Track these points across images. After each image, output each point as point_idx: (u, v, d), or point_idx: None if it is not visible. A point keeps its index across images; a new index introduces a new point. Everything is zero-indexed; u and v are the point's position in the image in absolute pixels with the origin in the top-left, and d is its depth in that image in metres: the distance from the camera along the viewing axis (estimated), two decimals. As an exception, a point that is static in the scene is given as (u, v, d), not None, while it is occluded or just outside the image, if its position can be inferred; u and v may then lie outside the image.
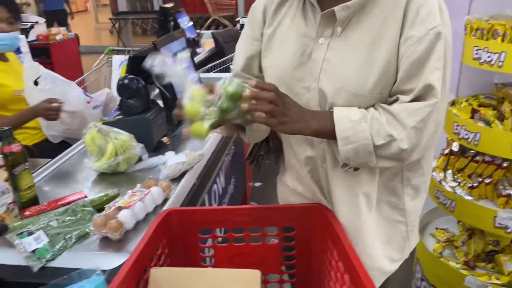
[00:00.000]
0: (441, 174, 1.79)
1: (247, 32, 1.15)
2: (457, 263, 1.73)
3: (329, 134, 0.94)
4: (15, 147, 1.26)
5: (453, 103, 1.85)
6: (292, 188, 1.22)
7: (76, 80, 2.96)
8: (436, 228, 1.95)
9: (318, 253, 1.11)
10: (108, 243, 1.16)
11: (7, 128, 1.27)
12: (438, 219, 2.04)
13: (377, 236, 1.09)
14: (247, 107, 0.87)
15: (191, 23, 3.88)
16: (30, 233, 1.14)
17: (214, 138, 1.93)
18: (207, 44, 3.89)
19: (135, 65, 1.81)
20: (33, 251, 1.10)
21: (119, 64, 2.92)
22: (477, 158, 1.68)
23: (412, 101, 0.92)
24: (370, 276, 0.83)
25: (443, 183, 1.73)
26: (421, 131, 0.92)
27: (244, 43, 1.15)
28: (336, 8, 0.93)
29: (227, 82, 0.90)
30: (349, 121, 0.92)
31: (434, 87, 0.91)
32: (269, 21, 1.08)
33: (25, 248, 1.11)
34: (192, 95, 0.91)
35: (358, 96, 0.95)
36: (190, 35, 3.59)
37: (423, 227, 1.98)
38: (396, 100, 0.95)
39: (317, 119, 0.94)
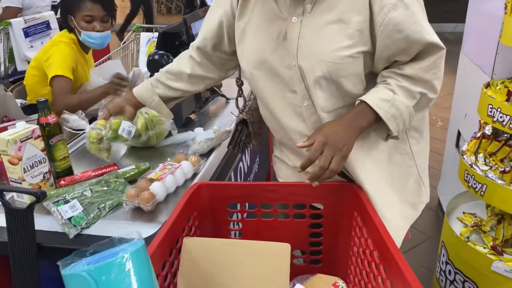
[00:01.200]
0: (472, 158, 1.76)
1: (214, 12, 1.21)
2: (485, 247, 1.71)
3: (374, 122, 1.01)
4: (51, 118, 1.30)
5: (488, 85, 1.80)
6: (292, 166, 1.24)
7: (104, 57, 3.01)
8: (463, 213, 1.92)
9: (346, 230, 1.11)
10: (140, 214, 1.20)
11: (44, 99, 1.30)
12: (465, 204, 2.01)
13: (393, 183, 1.14)
14: (312, 177, 0.95)
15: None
16: (66, 202, 1.18)
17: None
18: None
19: (165, 41, 1.83)
20: (69, 219, 1.15)
21: (146, 41, 2.94)
22: (511, 142, 1.64)
23: (416, 58, 0.99)
24: (396, 228, 0.93)
25: (474, 166, 1.70)
26: (440, 77, 1.02)
27: (207, 23, 1.24)
28: None
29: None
30: (385, 102, 0.98)
31: (434, 42, 0.97)
32: (239, 11, 1.12)
33: (61, 216, 1.15)
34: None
35: (335, 63, 0.99)
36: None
37: (450, 211, 1.95)
38: (394, 63, 1.02)
39: (358, 121, 1.00)
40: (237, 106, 1.37)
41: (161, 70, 1.32)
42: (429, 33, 0.98)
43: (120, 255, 0.60)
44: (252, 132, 1.31)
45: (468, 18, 2.39)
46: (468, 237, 1.77)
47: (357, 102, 1.02)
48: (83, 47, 2.08)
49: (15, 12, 3.80)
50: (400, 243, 1.18)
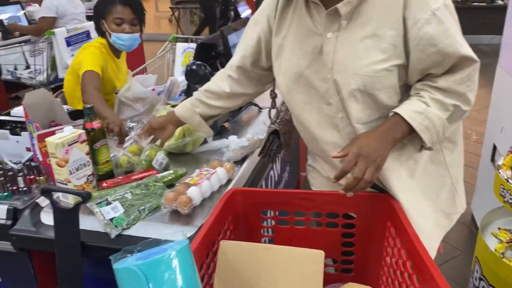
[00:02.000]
0: (508, 172, 1.72)
1: (252, 30, 1.24)
2: (518, 263, 1.67)
3: (408, 133, 1.03)
4: (96, 124, 1.37)
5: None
6: (326, 175, 1.27)
7: (140, 67, 3.12)
8: (499, 228, 1.88)
9: (378, 240, 1.12)
10: (177, 217, 1.24)
11: (89, 106, 1.38)
12: (500, 219, 1.96)
13: (426, 192, 1.15)
14: (346, 188, 0.97)
15: (250, 11, 3.94)
16: (108, 203, 1.24)
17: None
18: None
19: (202, 52, 1.89)
20: (111, 219, 1.20)
21: (182, 51, 3.03)
22: (549, 157, 1.60)
23: (449, 71, 1.01)
24: (429, 237, 0.96)
25: (510, 181, 1.67)
26: (473, 90, 1.04)
27: (245, 41, 1.27)
28: (338, 6, 1.00)
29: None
30: (418, 114, 1.00)
31: (468, 55, 0.99)
32: (277, 27, 1.16)
33: (103, 216, 1.21)
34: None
35: (370, 77, 1.01)
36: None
37: (484, 226, 1.91)
38: (428, 75, 1.03)
39: (392, 132, 1.02)
40: (270, 117, 1.41)
41: (200, 89, 1.37)
42: (463, 46, 0.99)
43: (168, 252, 0.64)
44: (283, 143, 1.34)
45: (506, 31, 2.35)
46: (503, 253, 1.73)
47: (390, 114, 1.04)
48: (114, 51, 2.17)
49: (51, 21, 3.99)
50: (433, 252, 1.18)
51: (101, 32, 2.13)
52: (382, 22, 1.00)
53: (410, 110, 1.01)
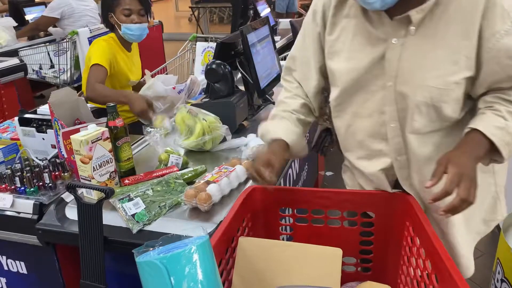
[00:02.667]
0: (532, 173, 1.69)
1: (311, 41, 1.17)
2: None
3: (489, 150, 0.97)
4: (119, 122, 1.41)
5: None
6: (357, 182, 1.24)
7: (161, 66, 3.16)
8: (521, 230, 1.85)
9: (397, 239, 1.12)
10: (197, 213, 1.26)
11: (113, 104, 1.41)
12: (523, 221, 1.93)
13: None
14: (450, 209, 0.92)
15: (269, 9, 3.94)
16: (130, 199, 1.27)
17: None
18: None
19: (222, 51, 1.91)
20: (133, 215, 1.23)
21: (202, 50, 3.06)
22: None
23: None
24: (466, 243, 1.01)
25: (534, 182, 1.64)
26: None
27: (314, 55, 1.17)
28: (411, 13, 0.95)
29: None
30: (499, 130, 0.96)
31: None
32: (330, 26, 1.11)
33: (125, 212, 1.24)
34: None
35: (439, 89, 0.97)
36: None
37: (506, 228, 1.88)
38: (496, 88, 0.99)
39: (477, 150, 0.96)
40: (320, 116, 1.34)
41: (284, 109, 1.22)
42: None
43: (189, 247, 0.66)
44: (335, 139, 1.31)
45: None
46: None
47: (467, 130, 0.99)
48: (124, 44, 2.22)
49: (51, 21, 4.08)
50: (470, 256, 1.19)
51: (110, 26, 2.19)
52: (455, 31, 0.94)
53: (491, 126, 0.96)
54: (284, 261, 0.96)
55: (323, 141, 1.37)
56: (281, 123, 1.19)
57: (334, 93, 1.14)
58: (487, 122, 0.97)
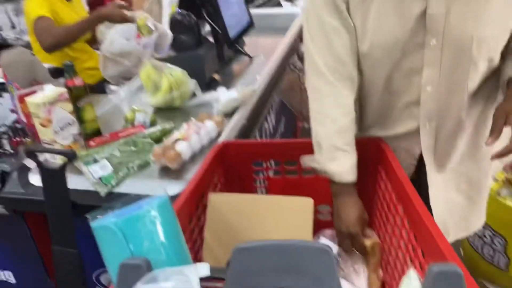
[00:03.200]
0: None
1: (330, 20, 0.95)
2: (515, 203, 1.68)
3: None
4: (78, 81, 1.33)
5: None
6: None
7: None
8: (495, 169, 1.88)
9: (370, 185, 1.11)
10: (167, 173, 1.23)
11: (69, 63, 1.33)
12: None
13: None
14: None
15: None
16: (96, 161, 1.22)
17: (264, 75, 1.92)
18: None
19: (187, 0, 1.80)
20: (100, 178, 1.19)
21: (169, 2, 2.91)
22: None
23: None
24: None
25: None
26: None
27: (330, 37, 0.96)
28: None
29: None
30: None
31: None
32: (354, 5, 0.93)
33: (92, 175, 1.20)
34: None
35: (495, 39, 0.88)
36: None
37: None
38: None
39: None
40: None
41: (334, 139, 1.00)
42: None
43: (146, 208, 0.62)
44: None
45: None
46: (498, 193, 1.73)
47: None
48: None
49: None
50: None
51: None
52: None
53: None
54: (256, 214, 0.94)
55: None
56: (346, 158, 1.00)
57: (365, 61, 0.98)
58: None
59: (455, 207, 1.10)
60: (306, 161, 1.06)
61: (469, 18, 0.86)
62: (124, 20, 1.73)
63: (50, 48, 1.80)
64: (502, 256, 1.79)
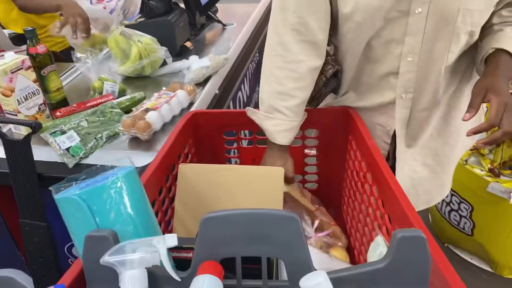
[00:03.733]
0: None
1: None
2: (482, 170, 1.73)
3: None
4: (41, 48, 1.27)
5: None
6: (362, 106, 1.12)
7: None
8: (463, 137, 1.93)
9: (341, 154, 1.12)
10: (137, 143, 1.20)
11: (31, 28, 1.26)
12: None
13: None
14: (491, 141, 0.84)
15: None
16: (63, 132, 1.19)
17: (238, 43, 1.88)
18: None
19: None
20: (67, 149, 1.16)
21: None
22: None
23: None
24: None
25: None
26: None
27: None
28: None
29: None
30: None
31: None
32: None
33: (59, 146, 1.16)
34: None
35: (480, 11, 0.88)
36: None
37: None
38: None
39: (509, 75, 0.87)
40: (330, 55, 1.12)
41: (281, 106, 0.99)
42: None
43: (111, 179, 0.60)
44: (338, 82, 1.13)
45: None
46: (466, 160, 1.79)
47: (490, 51, 0.89)
48: None
49: None
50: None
51: None
52: None
53: None
54: (227, 184, 0.94)
55: (325, 87, 1.12)
56: (283, 122, 1.00)
57: (349, 25, 0.96)
58: (510, 40, 0.88)
59: (418, 180, 1.12)
60: (250, 113, 1.06)
61: None
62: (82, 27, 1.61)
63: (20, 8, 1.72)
64: (468, 221, 1.87)
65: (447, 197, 1.92)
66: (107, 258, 0.55)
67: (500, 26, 0.92)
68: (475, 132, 0.84)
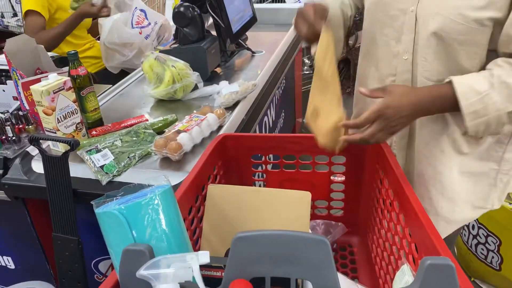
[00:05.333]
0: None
1: None
2: (510, 203, 1.70)
3: (451, 109, 0.87)
4: (81, 71, 1.34)
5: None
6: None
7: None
8: (491, 169, 1.91)
9: (368, 182, 1.13)
10: (167, 163, 1.24)
11: (73, 52, 1.34)
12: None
13: (461, 181, 1.05)
14: (349, 141, 0.88)
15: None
16: (98, 150, 1.24)
17: (266, 70, 1.93)
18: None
19: (190, -8, 1.80)
20: (101, 167, 1.21)
21: (171, -6, 2.91)
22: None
23: None
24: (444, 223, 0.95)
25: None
26: None
27: None
28: None
29: None
30: (475, 94, 0.84)
31: None
32: None
33: (94, 164, 1.21)
34: None
35: (455, 23, 0.86)
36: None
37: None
38: None
39: (432, 104, 0.87)
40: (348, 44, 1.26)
41: None
42: None
43: (149, 196, 0.64)
44: (352, 75, 1.23)
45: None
46: (494, 193, 1.75)
47: (446, 80, 0.90)
48: None
49: None
50: (444, 234, 1.11)
51: None
52: None
53: (467, 84, 0.84)
54: (254, 206, 0.96)
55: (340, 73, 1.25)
56: None
57: (365, 10, 1.06)
58: (468, 80, 0.86)
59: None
60: None
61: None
62: (99, 10, 1.90)
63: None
64: (496, 256, 1.82)
65: (473, 229, 1.88)
66: (143, 272, 0.57)
67: (484, 70, 0.89)
68: (345, 125, 0.91)
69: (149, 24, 1.99)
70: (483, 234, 1.85)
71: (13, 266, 1.50)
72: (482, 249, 1.88)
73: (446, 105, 0.87)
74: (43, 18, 1.90)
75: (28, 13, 1.88)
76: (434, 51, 0.92)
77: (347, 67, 1.16)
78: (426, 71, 0.95)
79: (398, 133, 0.99)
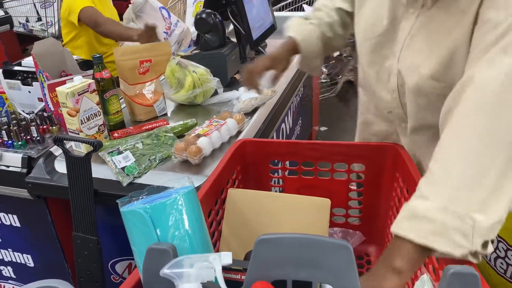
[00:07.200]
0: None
1: None
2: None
3: (419, 252, 0.70)
4: (106, 74, 1.37)
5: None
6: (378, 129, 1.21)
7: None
8: None
9: (387, 190, 1.12)
10: (187, 167, 1.26)
11: (98, 55, 1.37)
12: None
13: None
14: None
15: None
16: (120, 152, 1.26)
17: (285, 77, 1.94)
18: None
19: (212, 0, 1.83)
20: (122, 168, 1.23)
21: (193, 1, 2.95)
22: None
23: None
24: None
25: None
26: None
27: None
28: None
29: None
30: (413, 220, 0.71)
31: None
32: None
33: (115, 165, 1.23)
34: None
35: (428, 80, 0.86)
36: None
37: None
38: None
39: (388, 262, 0.69)
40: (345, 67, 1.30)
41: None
42: None
43: (173, 196, 0.65)
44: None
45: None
46: (514, 207, 1.72)
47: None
48: None
49: None
50: None
51: None
52: (462, 14, 0.79)
53: (399, 217, 0.73)
54: (273, 211, 0.97)
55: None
56: (303, 24, 1.19)
57: (357, 41, 1.08)
58: (399, 214, 0.73)
59: None
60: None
61: (419, 43, 0.89)
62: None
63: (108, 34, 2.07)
64: (514, 271, 1.78)
65: (492, 243, 1.84)
66: (166, 271, 0.58)
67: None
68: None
69: (171, 24, 2.06)
70: (502, 248, 1.81)
71: (32, 264, 1.53)
72: (502, 263, 1.84)
73: (407, 251, 0.69)
74: (94, 8, 2.05)
75: (81, 11, 2.01)
76: (412, 102, 0.94)
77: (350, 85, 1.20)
78: (411, 116, 0.98)
79: None
